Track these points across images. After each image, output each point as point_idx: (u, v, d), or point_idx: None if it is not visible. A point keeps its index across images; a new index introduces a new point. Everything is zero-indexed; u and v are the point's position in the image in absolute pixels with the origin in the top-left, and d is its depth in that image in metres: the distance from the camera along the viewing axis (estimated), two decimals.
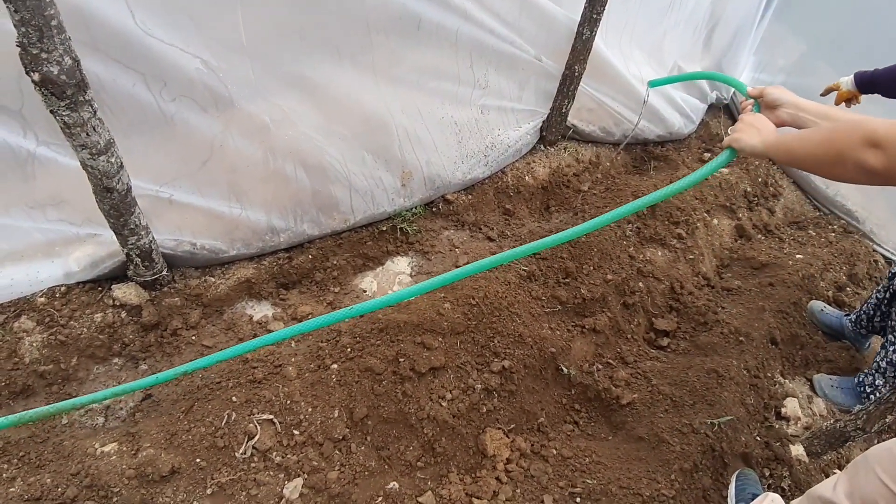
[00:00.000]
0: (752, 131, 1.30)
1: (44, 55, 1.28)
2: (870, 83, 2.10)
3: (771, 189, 2.99)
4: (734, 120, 3.40)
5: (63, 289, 1.82)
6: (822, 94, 2.29)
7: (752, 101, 1.46)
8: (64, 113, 1.39)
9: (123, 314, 1.84)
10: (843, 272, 2.74)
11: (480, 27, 2.02)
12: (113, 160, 1.51)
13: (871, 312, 2.20)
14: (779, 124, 1.37)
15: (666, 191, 1.41)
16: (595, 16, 2.24)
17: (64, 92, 1.35)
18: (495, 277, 1.96)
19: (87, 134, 1.44)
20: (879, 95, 2.11)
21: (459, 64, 2.08)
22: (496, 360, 1.81)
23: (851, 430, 2.02)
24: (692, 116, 3.15)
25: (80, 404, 1.57)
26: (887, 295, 2.12)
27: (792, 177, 3.18)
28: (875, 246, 3.02)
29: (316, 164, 1.91)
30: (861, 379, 2.14)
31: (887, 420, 1.76)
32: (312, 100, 1.80)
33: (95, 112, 1.43)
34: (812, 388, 2.23)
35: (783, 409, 2.09)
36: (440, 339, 1.76)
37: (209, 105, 1.58)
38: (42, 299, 1.79)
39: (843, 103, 2.19)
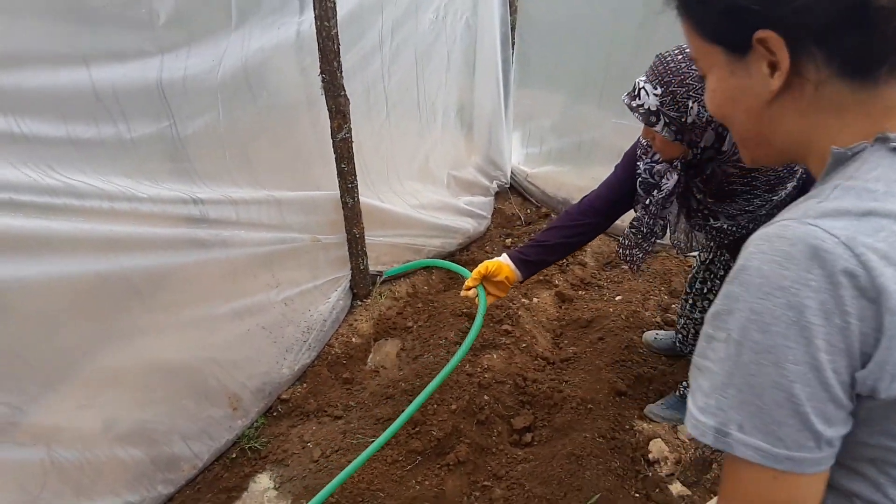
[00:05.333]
0: None
1: None
2: (532, 264, 1.87)
3: None
4: (523, 196, 3.78)
5: None
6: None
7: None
8: None
9: None
10: (663, 292, 3.05)
11: (243, 246, 2.15)
12: None
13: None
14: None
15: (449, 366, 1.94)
16: (350, 185, 2.47)
17: None
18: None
19: None
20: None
21: (240, 281, 2.19)
22: None
23: (710, 454, 2.22)
24: (482, 213, 3.45)
25: None
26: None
27: None
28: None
29: (139, 437, 1.90)
30: (682, 391, 2.29)
31: None
32: (98, 383, 1.81)
33: None
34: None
35: (650, 455, 2.23)
36: None
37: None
38: None
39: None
